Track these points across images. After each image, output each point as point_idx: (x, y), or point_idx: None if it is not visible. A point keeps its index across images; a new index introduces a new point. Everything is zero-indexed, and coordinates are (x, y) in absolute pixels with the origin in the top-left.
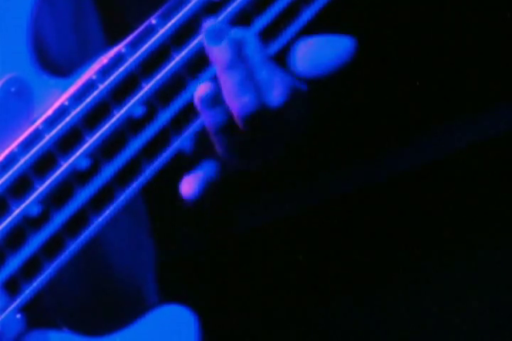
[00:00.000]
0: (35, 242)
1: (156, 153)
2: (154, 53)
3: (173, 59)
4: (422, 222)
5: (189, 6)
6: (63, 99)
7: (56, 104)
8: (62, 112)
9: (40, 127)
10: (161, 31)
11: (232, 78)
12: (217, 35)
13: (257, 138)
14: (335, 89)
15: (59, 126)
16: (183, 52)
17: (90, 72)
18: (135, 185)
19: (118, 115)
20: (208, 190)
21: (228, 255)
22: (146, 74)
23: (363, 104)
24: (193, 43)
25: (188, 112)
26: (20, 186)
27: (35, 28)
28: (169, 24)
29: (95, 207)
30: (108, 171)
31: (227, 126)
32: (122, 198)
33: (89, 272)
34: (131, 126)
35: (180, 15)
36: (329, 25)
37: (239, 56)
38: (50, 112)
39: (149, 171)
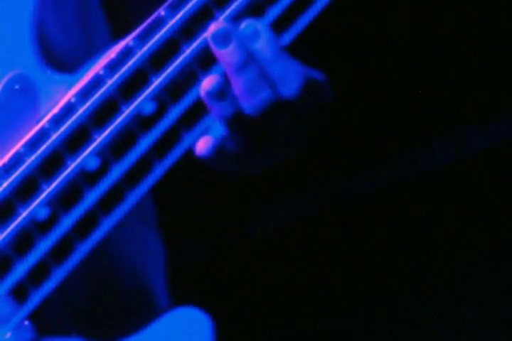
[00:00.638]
0: (43, 246)
1: (167, 151)
2: (163, 46)
3: (184, 52)
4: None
5: None
6: (70, 96)
7: (62, 102)
8: (68, 110)
9: (47, 126)
10: (170, 23)
11: (244, 78)
12: (224, 38)
13: (274, 132)
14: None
15: (66, 125)
16: (194, 45)
17: (97, 67)
18: (145, 185)
19: (127, 112)
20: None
21: (240, 259)
22: (156, 68)
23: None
24: (204, 35)
25: (200, 107)
26: (27, 188)
27: (39, 22)
28: (178, 16)
29: (105, 208)
30: (117, 171)
31: (239, 119)
32: (133, 198)
33: (98, 275)
34: (141, 123)
35: (189, 6)
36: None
37: (249, 55)
38: (56, 110)
39: (160, 170)
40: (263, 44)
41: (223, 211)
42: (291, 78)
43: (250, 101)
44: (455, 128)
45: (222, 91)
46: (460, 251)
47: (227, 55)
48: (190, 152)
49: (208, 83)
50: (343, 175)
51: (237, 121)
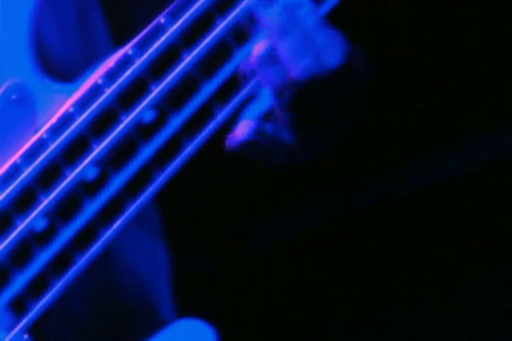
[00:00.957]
0: (41, 258)
1: (168, 161)
2: (163, 54)
3: (184, 60)
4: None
5: (199, 3)
6: (68, 105)
7: (60, 111)
8: (67, 119)
9: (44, 136)
10: (170, 31)
11: (288, 43)
12: (268, 1)
13: (318, 105)
14: None
15: (64, 135)
16: (194, 53)
17: (96, 76)
18: (146, 195)
19: (126, 121)
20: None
21: (245, 270)
22: (155, 76)
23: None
24: (205, 42)
25: (201, 116)
26: (25, 199)
27: (37, 30)
28: (178, 23)
29: (104, 219)
30: (117, 181)
31: (288, 86)
32: (133, 209)
33: (99, 286)
34: (141, 132)
35: (190, 13)
36: None
37: (292, 21)
38: (54, 120)
39: (161, 180)
40: (306, 12)
41: (229, 221)
42: (333, 46)
43: (295, 68)
44: (462, 138)
45: (271, 57)
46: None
47: (270, 18)
48: (192, 161)
49: (258, 48)
50: (347, 186)
51: (286, 88)
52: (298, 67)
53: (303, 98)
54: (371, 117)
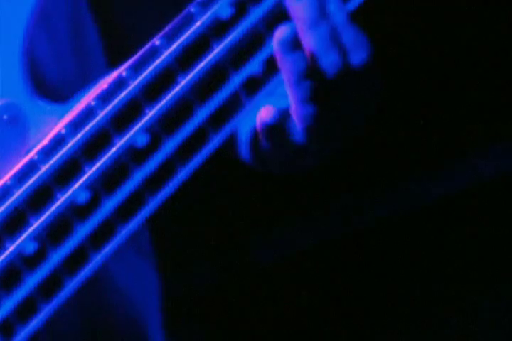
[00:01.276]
0: (30, 282)
1: (161, 185)
2: (158, 77)
3: (179, 83)
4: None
5: (196, 25)
6: (60, 127)
7: (52, 133)
8: (59, 141)
9: (36, 157)
10: (166, 53)
11: (315, 36)
12: None
13: (339, 103)
14: None
15: (56, 157)
16: (190, 76)
17: (89, 98)
18: (138, 219)
19: (119, 144)
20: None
21: (238, 292)
22: (150, 99)
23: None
24: (200, 66)
25: (195, 140)
26: (15, 222)
27: (30, 49)
28: (174, 45)
29: (95, 243)
30: (109, 205)
31: (310, 74)
32: (124, 233)
33: (88, 309)
34: (134, 155)
35: (186, 35)
36: None
37: (322, 14)
38: (46, 141)
39: (154, 203)
40: (336, 7)
41: (229, 236)
42: (361, 46)
43: (320, 62)
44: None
45: (295, 41)
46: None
47: (301, 9)
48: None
49: (281, 32)
50: (351, 203)
51: (306, 77)
52: (324, 62)
53: (323, 89)
54: (371, 135)
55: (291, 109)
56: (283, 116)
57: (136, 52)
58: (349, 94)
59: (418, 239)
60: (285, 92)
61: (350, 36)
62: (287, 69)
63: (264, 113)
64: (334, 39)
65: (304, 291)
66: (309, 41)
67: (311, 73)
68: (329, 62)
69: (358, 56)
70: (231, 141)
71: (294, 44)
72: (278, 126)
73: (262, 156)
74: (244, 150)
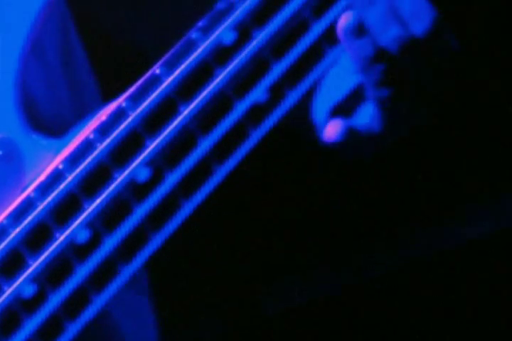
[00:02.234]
0: (29, 326)
1: (164, 221)
2: (159, 107)
3: (181, 113)
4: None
5: (197, 52)
6: (57, 162)
7: (49, 169)
8: (56, 177)
9: (32, 195)
10: (167, 82)
11: (374, 13)
12: None
13: (411, 75)
14: None
15: (53, 194)
16: (192, 105)
17: (87, 131)
18: (140, 258)
19: (120, 179)
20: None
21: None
22: (151, 131)
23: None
24: (203, 95)
25: (199, 173)
26: (12, 263)
27: (23, 83)
28: (175, 73)
29: (96, 284)
30: (110, 243)
31: (378, 58)
32: (126, 273)
33: None
34: (135, 191)
35: (187, 63)
36: None
37: None
38: (42, 178)
39: (157, 241)
40: None
41: (239, 286)
42: (421, 13)
43: (383, 38)
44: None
45: (360, 28)
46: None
47: None
48: (196, 221)
49: (344, 20)
50: (363, 254)
51: (376, 60)
52: (386, 37)
53: (394, 69)
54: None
55: (366, 94)
56: (350, 132)
57: (131, 81)
58: (422, 68)
59: (434, 290)
60: (349, 66)
61: (408, 6)
62: (355, 56)
63: (330, 130)
64: (393, 12)
65: None
66: (368, 18)
67: (379, 56)
68: (391, 36)
69: (419, 25)
70: (305, 121)
71: (357, 30)
72: (347, 140)
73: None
74: (320, 133)
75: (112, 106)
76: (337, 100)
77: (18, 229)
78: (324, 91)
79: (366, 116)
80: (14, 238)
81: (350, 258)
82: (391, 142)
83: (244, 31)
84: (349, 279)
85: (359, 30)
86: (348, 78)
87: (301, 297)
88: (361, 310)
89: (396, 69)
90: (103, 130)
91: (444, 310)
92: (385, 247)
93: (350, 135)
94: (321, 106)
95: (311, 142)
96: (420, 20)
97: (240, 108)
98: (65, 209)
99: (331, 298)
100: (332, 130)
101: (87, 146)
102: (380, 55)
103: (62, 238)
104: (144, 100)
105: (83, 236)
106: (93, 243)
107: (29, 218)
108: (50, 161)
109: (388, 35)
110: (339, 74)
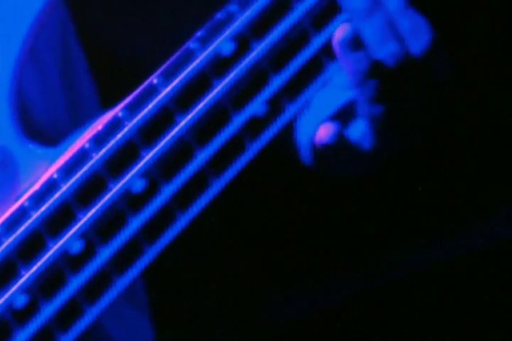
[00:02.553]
0: (21, 337)
1: (159, 233)
2: (155, 118)
3: (178, 124)
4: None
5: (195, 62)
6: (52, 171)
7: (44, 178)
8: (51, 187)
9: (26, 204)
10: (164, 92)
11: (371, 27)
12: None
13: (405, 93)
14: None
15: (48, 203)
16: (189, 116)
17: (82, 141)
18: (135, 269)
19: (115, 189)
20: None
21: None
22: (147, 141)
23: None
24: (200, 105)
25: (195, 185)
26: (4, 273)
27: (19, 91)
28: (173, 84)
29: (89, 295)
30: (104, 254)
31: (373, 73)
32: (120, 284)
33: None
34: (130, 201)
35: (185, 73)
36: None
37: (375, 3)
38: (37, 187)
39: (151, 253)
40: None
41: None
42: (420, 33)
43: (379, 53)
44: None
45: (356, 40)
46: None
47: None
48: (193, 228)
49: (340, 32)
50: (364, 266)
51: (370, 75)
52: (383, 51)
53: (388, 85)
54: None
55: (358, 109)
56: (341, 135)
57: (130, 90)
58: (416, 87)
59: (439, 301)
60: (342, 82)
61: (407, 23)
62: (350, 69)
63: (322, 132)
64: (391, 28)
65: None
66: (365, 32)
67: (374, 71)
68: (388, 52)
69: (417, 44)
70: (289, 140)
71: (354, 43)
72: (337, 145)
73: (324, 162)
74: (304, 153)
75: (108, 116)
76: (325, 118)
77: (11, 239)
78: (311, 111)
79: (357, 133)
80: (7, 247)
81: (352, 269)
82: (383, 162)
83: (243, 42)
84: (351, 291)
85: (355, 42)
86: (338, 96)
87: (302, 308)
88: (364, 321)
89: (390, 84)
90: (99, 140)
91: (450, 321)
92: (388, 258)
93: (341, 140)
94: (306, 127)
95: (293, 163)
96: (418, 39)
97: (238, 120)
98: (59, 219)
99: (333, 309)
100: (324, 132)
101: (82, 156)
102: (375, 69)
103: (55, 248)
104: (140, 110)
105: (77, 246)
106: (87, 253)
107: (22, 227)
108: (45, 170)
109: (385, 50)
110: (328, 94)
